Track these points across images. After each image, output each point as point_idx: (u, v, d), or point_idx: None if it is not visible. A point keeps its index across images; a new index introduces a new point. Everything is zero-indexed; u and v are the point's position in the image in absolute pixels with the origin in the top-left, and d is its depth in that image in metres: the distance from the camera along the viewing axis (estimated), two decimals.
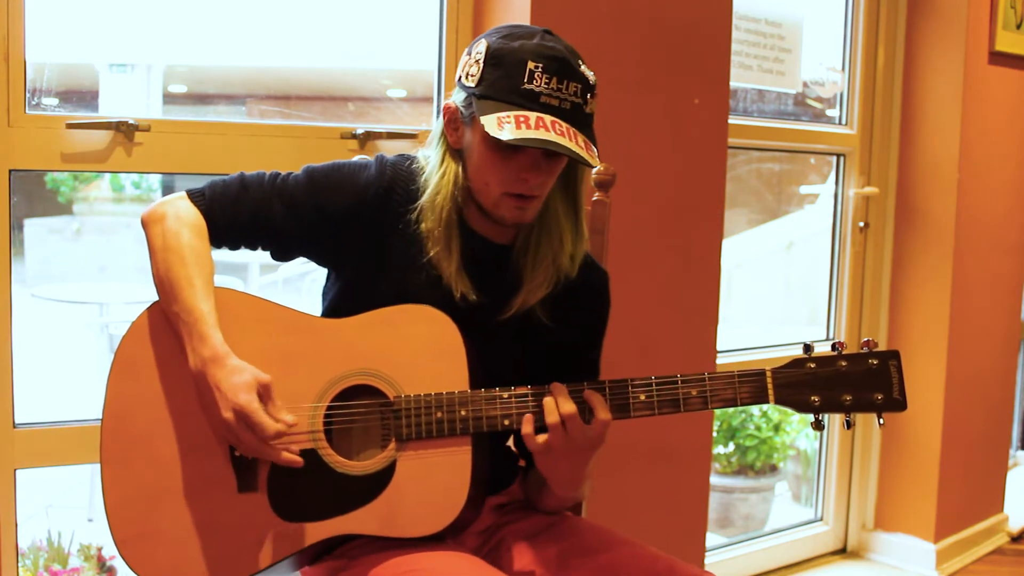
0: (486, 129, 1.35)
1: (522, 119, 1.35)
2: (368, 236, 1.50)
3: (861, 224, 3.31)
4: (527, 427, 1.39)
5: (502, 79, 1.38)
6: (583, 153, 1.35)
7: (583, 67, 1.40)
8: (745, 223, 4.70)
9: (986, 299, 3.41)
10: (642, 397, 1.41)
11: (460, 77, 1.45)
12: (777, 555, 3.26)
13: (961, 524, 3.39)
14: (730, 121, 2.63)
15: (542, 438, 1.39)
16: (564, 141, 1.34)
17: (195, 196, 1.49)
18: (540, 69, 1.36)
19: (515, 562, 1.50)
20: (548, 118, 1.36)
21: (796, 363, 1.42)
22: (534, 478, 1.57)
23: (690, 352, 2.60)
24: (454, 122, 1.46)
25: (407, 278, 1.48)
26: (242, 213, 1.49)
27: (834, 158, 3.35)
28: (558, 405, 1.38)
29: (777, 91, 3.20)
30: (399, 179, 1.50)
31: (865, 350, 1.41)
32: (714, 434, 3.47)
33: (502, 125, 1.34)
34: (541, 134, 1.34)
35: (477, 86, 1.40)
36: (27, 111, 1.87)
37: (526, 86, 1.36)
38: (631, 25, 2.37)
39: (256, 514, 1.42)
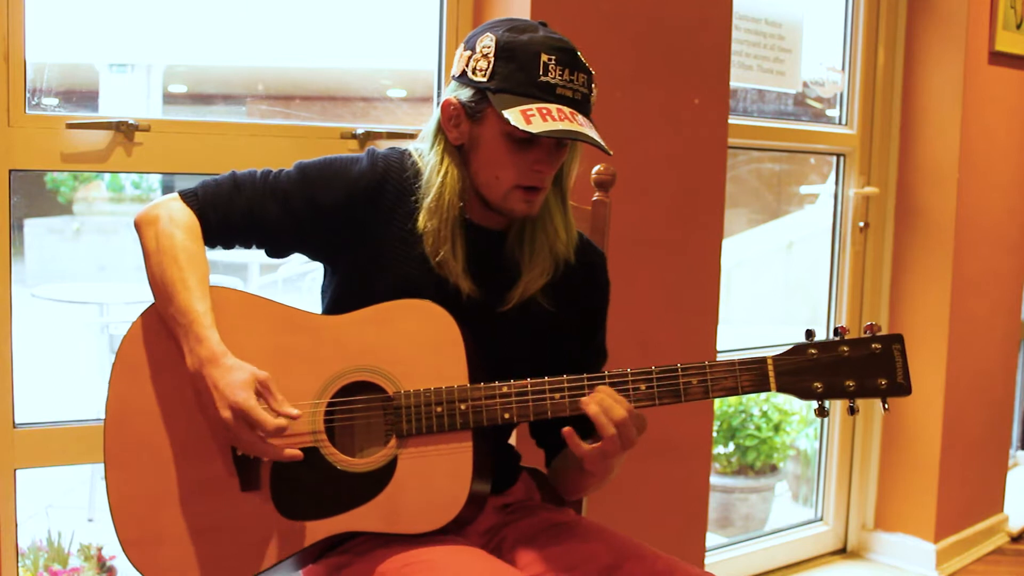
0: (512, 123, 1.35)
1: (545, 111, 1.37)
2: (362, 229, 1.50)
3: (861, 224, 3.30)
4: (574, 440, 1.39)
5: (517, 72, 1.39)
6: (603, 142, 1.39)
7: (583, 58, 1.43)
8: (745, 223, 4.70)
9: (986, 299, 3.41)
10: (642, 387, 1.41)
11: (464, 72, 1.45)
12: (777, 555, 3.26)
13: (961, 524, 3.39)
14: (730, 121, 2.63)
15: (595, 446, 1.40)
16: (587, 130, 1.38)
17: (188, 197, 1.50)
18: (554, 61, 1.38)
19: (517, 562, 1.49)
20: (567, 109, 1.38)
21: (797, 349, 1.41)
22: (560, 466, 1.59)
23: (690, 352, 2.60)
24: (456, 118, 1.46)
25: (407, 272, 1.48)
26: (235, 212, 1.49)
27: (834, 158, 3.35)
28: (608, 413, 1.38)
29: (777, 91, 3.19)
30: (391, 171, 1.51)
31: (868, 334, 1.40)
32: (714, 434, 3.47)
33: (528, 119, 1.35)
34: (566, 125, 1.36)
35: (490, 80, 1.40)
36: (27, 111, 1.87)
37: (542, 78, 1.38)
38: (631, 25, 2.37)
39: (259, 513, 1.42)
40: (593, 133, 1.39)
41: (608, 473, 1.50)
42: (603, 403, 1.38)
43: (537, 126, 1.35)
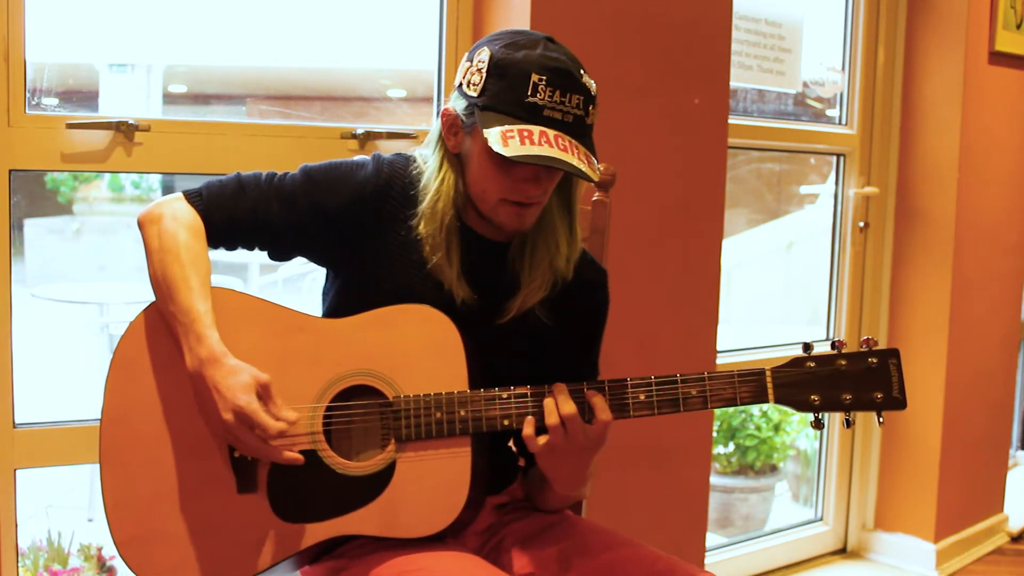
0: (490, 144, 1.34)
1: (525, 134, 1.35)
2: (366, 234, 1.50)
3: (861, 224, 3.31)
4: (528, 429, 1.39)
5: (505, 91, 1.37)
6: (584, 168, 1.36)
7: (585, 77, 1.39)
8: (745, 223, 4.70)
9: (986, 299, 3.41)
10: (641, 397, 1.41)
11: (461, 84, 1.44)
12: (777, 555, 3.26)
13: (961, 524, 3.39)
14: (730, 121, 2.63)
15: (543, 439, 1.39)
16: (566, 156, 1.34)
17: (192, 197, 1.50)
18: (544, 82, 1.36)
19: (515, 562, 1.50)
20: (551, 132, 1.36)
21: (795, 362, 1.42)
22: (535, 477, 1.57)
23: (690, 352, 2.60)
24: (453, 128, 1.46)
25: (407, 278, 1.48)
26: (239, 213, 1.49)
27: (834, 158, 3.35)
28: (558, 406, 1.38)
29: (777, 91, 3.20)
30: (396, 177, 1.50)
31: (865, 348, 1.41)
32: (714, 434, 3.47)
33: (506, 141, 1.34)
34: (544, 150, 1.34)
35: (479, 96, 1.39)
36: (27, 111, 1.87)
37: (529, 99, 1.36)
38: (631, 25, 2.37)
39: (256, 515, 1.42)
40: (574, 159, 1.35)
41: (565, 480, 1.46)
42: (559, 393, 1.39)
43: (513, 149, 1.33)
